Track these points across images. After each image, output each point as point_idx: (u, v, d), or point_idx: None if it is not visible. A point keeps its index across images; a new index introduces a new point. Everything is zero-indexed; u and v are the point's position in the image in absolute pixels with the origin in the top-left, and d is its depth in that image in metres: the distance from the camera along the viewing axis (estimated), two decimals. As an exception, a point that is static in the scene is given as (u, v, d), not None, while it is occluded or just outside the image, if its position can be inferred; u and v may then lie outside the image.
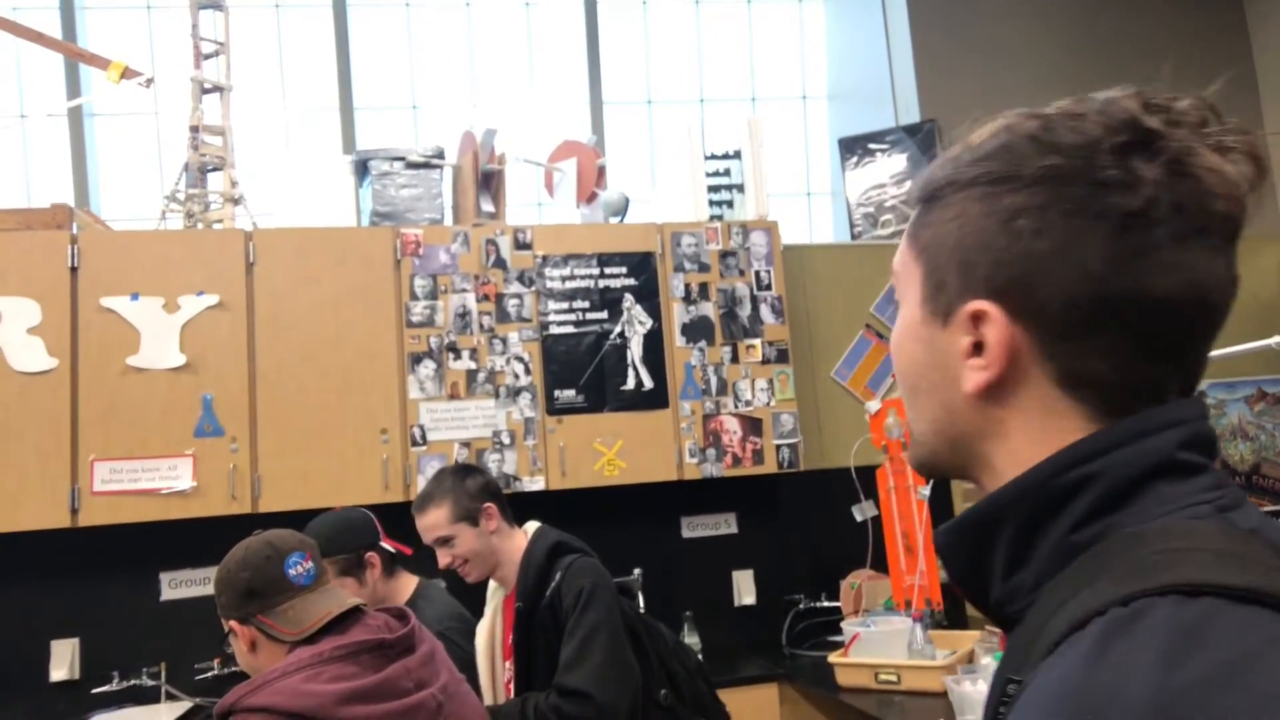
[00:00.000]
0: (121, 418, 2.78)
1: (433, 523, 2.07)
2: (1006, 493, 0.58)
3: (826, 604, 3.34)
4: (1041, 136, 0.57)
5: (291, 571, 1.51)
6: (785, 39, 4.80)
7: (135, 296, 2.83)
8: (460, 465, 2.22)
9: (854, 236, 4.10)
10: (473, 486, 2.10)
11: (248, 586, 1.50)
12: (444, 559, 2.08)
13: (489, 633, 2.18)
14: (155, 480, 2.76)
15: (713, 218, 3.47)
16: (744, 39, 4.76)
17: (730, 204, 3.60)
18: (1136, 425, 0.55)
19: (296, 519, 2.76)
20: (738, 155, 3.62)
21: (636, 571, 3.19)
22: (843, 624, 2.90)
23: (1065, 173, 0.56)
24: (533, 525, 2.19)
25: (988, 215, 0.58)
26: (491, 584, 2.20)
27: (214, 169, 3.24)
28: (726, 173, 3.62)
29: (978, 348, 0.59)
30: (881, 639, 2.65)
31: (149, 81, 3.25)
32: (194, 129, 3.20)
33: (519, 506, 2.80)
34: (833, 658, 2.70)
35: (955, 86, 4.05)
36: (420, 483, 2.90)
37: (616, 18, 4.65)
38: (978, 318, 0.59)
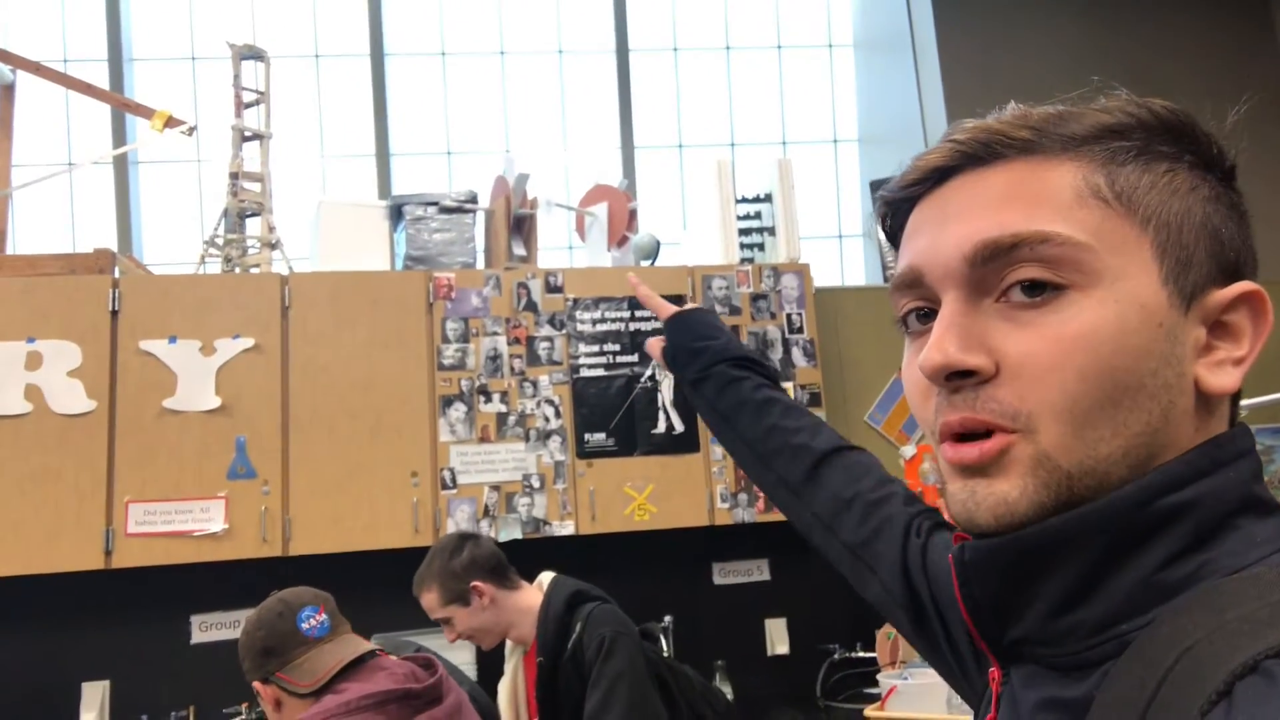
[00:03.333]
0: (157, 460, 2.80)
1: (428, 607, 2.10)
2: (1086, 515, 0.49)
3: (862, 654, 3.26)
4: (1210, 134, 0.55)
5: (305, 625, 1.52)
6: (816, 84, 4.83)
7: (173, 340, 2.87)
8: (452, 539, 2.15)
9: (886, 278, 4.07)
10: (458, 566, 2.06)
11: (264, 645, 1.51)
12: (450, 635, 2.10)
13: (510, 691, 2.15)
14: (188, 522, 2.78)
15: (744, 261, 3.46)
16: (774, 84, 4.80)
17: (761, 247, 3.60)
18: (1213, 451, 0.51)
19: (327, 562, 2.77)
20: (768, 198, 3.62)
21: (667, 619, 3.14)
22: (879, 676, 2.83)
23: (1231, 174, 0.56)
24: (547, 576, 2.16)
25: (1214, 198, 0.54)
26: (508, 643, 2.18)
27: (253, 214, 3.30)
28: (758, 215, 3.62)
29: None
30: (919, 692, 2.58)
31: (191, 130, 3.33)
32: (234, 175, 3.27)
33: (549, 551, 2.78)
34: (869, 711, 2.63)
35: (987, 129, 4.04)
36: (449, 526, 2.89)
37: (648, 64, 4.71)
38: (1247, 300, 0.52)
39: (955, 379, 0.51)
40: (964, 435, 0.51)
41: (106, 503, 2.75)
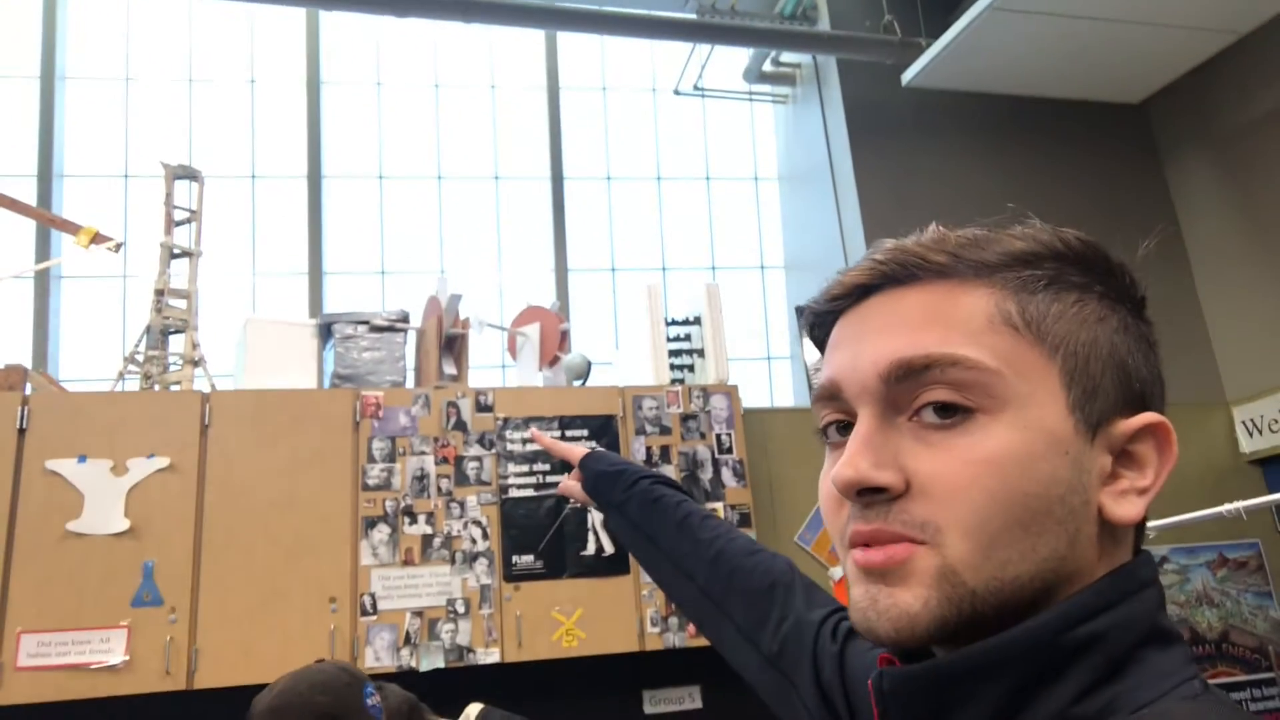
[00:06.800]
0: (56, 587, 2.64)
1: None
2: (1006, 644, 0.49)
3: (796, 786, 3.15)
4: (1123, 266, 0.56)
5: (369, 701, 1.46)
6: (743, 213, 5.03)
7: (82, 459, 2.76)
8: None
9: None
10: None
11: (326, 711, 1.40)
12: None
13: None
14: (85, 654, 2.61)
15: (674, 381, 3.51)
16: (703, 213, 4.98)
17: (691, 368, 3.65)
18: (1121, 582, 0.51)
19: (234, 697, 2.61)
20: (698, 321, 3.70)
21: (596, 751, 3.02)
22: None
23: (1141, 305, 0.57)
24: (475, 709, 2.07)
25: (1123, 329, 0.55)
26: None
27: (176, 331, 3.24)
28: (687, 338, 3.69)
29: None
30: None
31: (118, 246, 3.29)
32: (159, 292, 3.23)
33: (473, 680, 2.67)
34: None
35: (906, 258, 4.22)
36: (368, 655, 2.77)
37: (582, 191, 4.85)
38: (1152, 432, 0.53)
39: (867, 494, 0.51)
40: (872, 545, 0.52)
41: (-4, 634, 2.58)
